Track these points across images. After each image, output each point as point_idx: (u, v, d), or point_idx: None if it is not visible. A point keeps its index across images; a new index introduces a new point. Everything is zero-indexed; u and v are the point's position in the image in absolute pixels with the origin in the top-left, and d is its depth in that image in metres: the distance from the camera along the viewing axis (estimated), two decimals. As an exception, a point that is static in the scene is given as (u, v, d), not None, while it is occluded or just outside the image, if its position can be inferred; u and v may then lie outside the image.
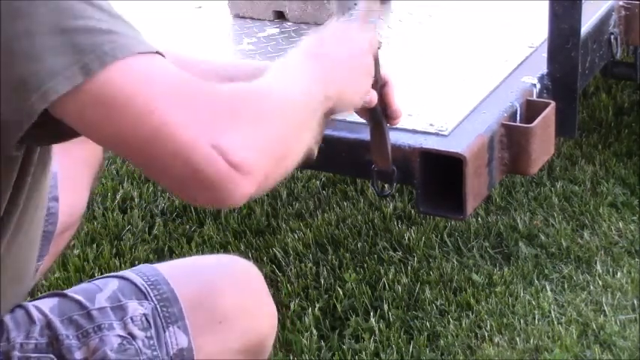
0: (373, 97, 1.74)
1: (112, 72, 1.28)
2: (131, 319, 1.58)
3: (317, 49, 1.56)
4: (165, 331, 1.59)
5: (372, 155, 1.97)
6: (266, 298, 1.73)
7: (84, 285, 1.65)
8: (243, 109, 1.35)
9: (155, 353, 1.57)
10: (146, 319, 1.58)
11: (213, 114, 1.32)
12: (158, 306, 1.60)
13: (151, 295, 1.60)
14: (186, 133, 1.29)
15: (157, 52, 1.35)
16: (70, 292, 1.61)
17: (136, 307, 1.59)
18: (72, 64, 1.27)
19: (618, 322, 2.64)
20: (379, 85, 1.78)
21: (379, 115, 1.83)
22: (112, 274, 1.66)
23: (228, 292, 1.66)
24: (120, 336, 1.57)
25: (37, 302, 1.60)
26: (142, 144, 1.30)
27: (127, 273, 1.64)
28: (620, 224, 3.01)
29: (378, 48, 1.79)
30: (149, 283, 1.62)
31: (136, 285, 1.61)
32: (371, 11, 1.81)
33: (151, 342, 1.58)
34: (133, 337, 1.57)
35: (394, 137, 2.20)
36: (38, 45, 1.27)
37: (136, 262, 2.93)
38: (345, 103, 1.60)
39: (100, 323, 1.57)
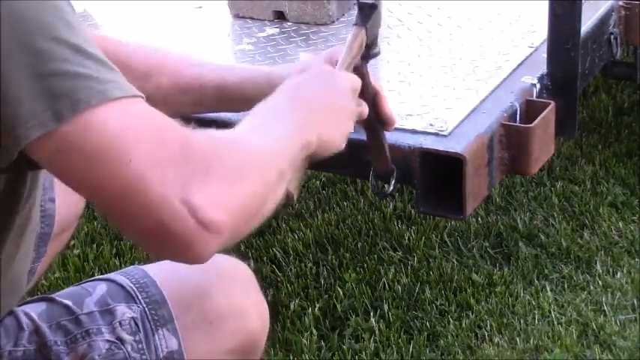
0: (364, 110, 1.76)
1: (85, 119, 1.26)
2: (119, 323, 1.57)
3: (298, 94, 1.56)
4: (154, 334, 1.58)
5: (372, 160, 1.97)
6: (257, 297, 1.72)
7: (73, 288, 1.64)
8: (219, 164, 1.33)
9: (144, 357, 1.57)
10: (135, 322, 1.58)
11: (188, 168, 1.29)
12: (147, 309, 1.59)
13: (140, 298, 1.60)
14: (158, 188, 1.27)
15: (135, 96, 1.32)
16: (58, 296, 1.60)
17: (124, 311, 1.58)
18: (45, 110, 1.25)
19: (618, 322, 2.64)
20: (370, 95, 1.78)
21: (374, 122, 1.84)
22: (100, 276, 1.65)
23: (217, 292, 1.65)
24: (108, 341, 1.56)
25: (26, 307, 1.59)
26: (111, 195, 1.28)
27: (116, 276, 1.63)
28: (620, 224, 3.01)
29: (373, 55, 1.82)
30: (137, 285, 1.61)
31: (124, 288, 1.61)
32: (352, 56, 1.80)
33: (140, 346, 1.57)
34: (122, 341, 1.56)
35: (394, 137, 2.20)
36: (16, 88, 1.25)
37: (136, 262, 2.93)
38: (327, 146, 1.61)
39: (88, 328, 1.56)
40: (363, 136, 2.23)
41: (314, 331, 2.63)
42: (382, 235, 3.01)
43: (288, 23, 2.75)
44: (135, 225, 1.30)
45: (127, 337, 1.57)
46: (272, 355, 2.58)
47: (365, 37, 1.84)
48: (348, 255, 2.94)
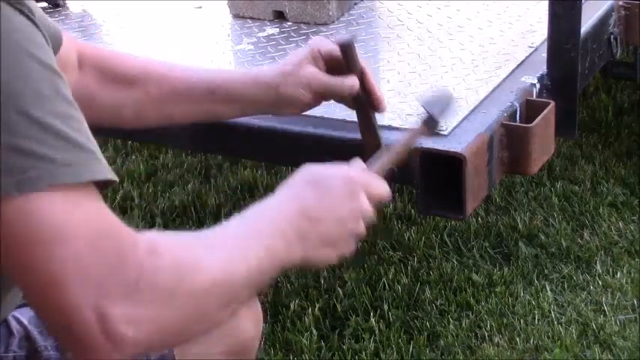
0: (355, 84, 1.77)
1: (25, 202, 1.19)
2: None
3: (299, 204, 1.41)
4: None
5: (363, 140, 1.97)
6: (250, 303, 1.70)
7: None
8: (152, 284, 1.23)
9: None
10: None
11: (115, 281, 1.21)
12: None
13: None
14: (74, 294, 1.20)
15: (93, 182, 1.24)
16: None
17: None
18: (8, 180, 1.18)
19: (618, 322, 2.64)
20: (358, 73, 1.81)
21: (363, 102, 1.86)
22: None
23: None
24: None
25: (16, 312, 1.57)
26: (32, 284, 1.22)
27: None
28: (620, 224, 3.01)
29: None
30: None
31: None
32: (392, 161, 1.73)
33: None
34: None
35: (394, 137, 2.20)
36: None
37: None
38: (314, 265, 1.46)
39: None
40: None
41: (314, 331, 2.63)
42: (382, 235, 3.01)
43: (288, 23, 2.75)
44: (45, 317, 1.25)
45: None
46: (272, 355, 2.58)
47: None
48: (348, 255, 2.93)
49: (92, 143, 1.25)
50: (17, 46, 1.21)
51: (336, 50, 1.83)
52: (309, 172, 1.46)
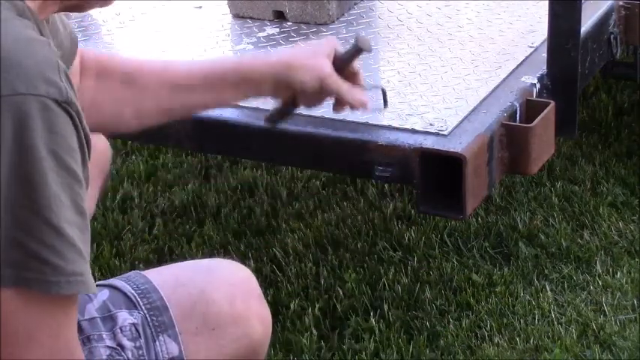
0: (365, 103, 1.88)
1: (15, 297, 1.29)
2: (120, 329, 1.58)
3: None
4: (155, 340, 1.59)
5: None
6: (259, 304, 1.72)
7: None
8: None
9: None
10: (135, 328, 1.58)
11: None
12: (148, 315, 1.60)
13: (141, 304, 1.60)
14: None
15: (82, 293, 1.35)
16: None
17: (125, 317, 1.59)
18: (9, 273, 1.29)
19: (618, 322, 2.64)
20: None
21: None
22: (102, 282, 1.65)
23: (220, 298, 1.65)
24: (109, 347, 1.57)
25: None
26: None
27: (117, 282, 1.63)
28: (620, 224, 3.00)
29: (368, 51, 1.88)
30: (139, 291, 1.61)
31: (125, 294, 1.61)
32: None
33: (140, 352, 1.58)
34: (122, 347, 1.57)
35: (394, 137, 2.20)
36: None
37: (136, 262, 2.93)
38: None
39: (90, 334, 1.57)
40: (363, 135, 2.23)
41: (314, 331, 2.63)
42: (382, 235, 3.01)
43: (288, 23, 2.75)
44: None
45: (128, 344, 1.57)
46: (272, 355, 2.58)
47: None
48: (348, 255, 2.93)
49: (86, 257, 1.35)
50: (57, 160, 1.29)
51: (343, 55, 1.87)
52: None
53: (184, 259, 2.74)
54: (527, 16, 2.73)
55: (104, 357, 1.56)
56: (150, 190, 3.31)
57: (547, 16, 2.36)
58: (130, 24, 2.83)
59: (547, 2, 2.34)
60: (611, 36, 2.68)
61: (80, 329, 1.57)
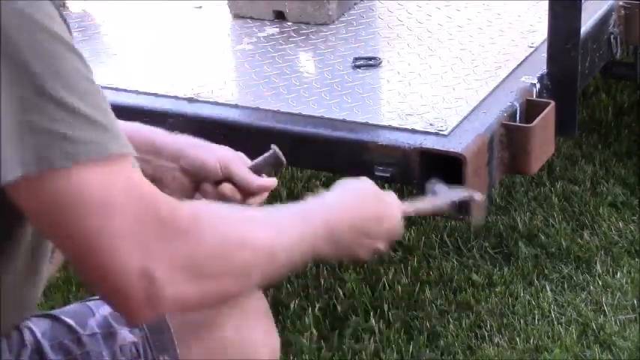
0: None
1: (51, 177, 1.25)
2: (120, 348, 1.56)
3: (335, 220, 1.55)
4: None
5: None
6: (268, 330, 1.69)
7: (77, 306, 1.62)
8: (194, 252, 1.31)
9: None
10: (135, 348, 1.57)
11: (164, 245, 1.29)
12: (149, 334, 1.58)
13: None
14: (122, 260, 1.27)
15: (122, 155, 1.30)
16: (63, 314, 1.59)
17: (126, 336, 1.57)
18: (15, 157, 1.24)
19: (618, 322, 2.64)
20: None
21: None
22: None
23: (227, 324, 1.62)
24: None
25: (31, 323, 1.57)
26: (74, 252, 1.29)
27: None
28: (620, 224, 3.00)
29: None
30: None
31: None
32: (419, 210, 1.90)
33: None
34: None
35: (394, 137, 2.21)
36: (3, 132, 1.25)
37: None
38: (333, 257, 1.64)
39: (89, 350, 1.55)
40: (363, 135, 2.23)
41: (314, 331, 2.63)
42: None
43: (288, 23, 2.75)
44: (92, 281, 1.31)
45: None
46: (272, 355, 2.58)
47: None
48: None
49: (109, 118, 1.29)
50: (37, 25, 1.25)
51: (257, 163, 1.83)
52: (370, 192, 1.65)
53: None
54: (527, 16, 2.73)
55: None
56: (150, 190, 3.31)
57: (547, 16, 2.36)
58: (130, 24, 2.83)
59: (547, 2, 2.34)
60: (611, 36, 2.68)
61: (81, 343, 1.55)
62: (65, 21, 1.31)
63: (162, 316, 1.56)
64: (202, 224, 1.32)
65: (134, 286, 1.27)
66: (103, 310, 1.59)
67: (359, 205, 1.62)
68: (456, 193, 1.88)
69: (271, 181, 1.83)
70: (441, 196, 1.89)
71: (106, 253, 1.26)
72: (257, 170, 1.81)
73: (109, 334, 1.57)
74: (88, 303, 1.61)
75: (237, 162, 1.79)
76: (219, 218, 1.37)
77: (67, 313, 1.59)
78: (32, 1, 1.26)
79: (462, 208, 1.95)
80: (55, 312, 1.60)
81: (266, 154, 1.83)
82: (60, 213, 1.26)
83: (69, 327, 1.56)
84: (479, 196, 1.90)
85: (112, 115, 1.31)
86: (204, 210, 1.38)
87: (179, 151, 1.81)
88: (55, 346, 1.55)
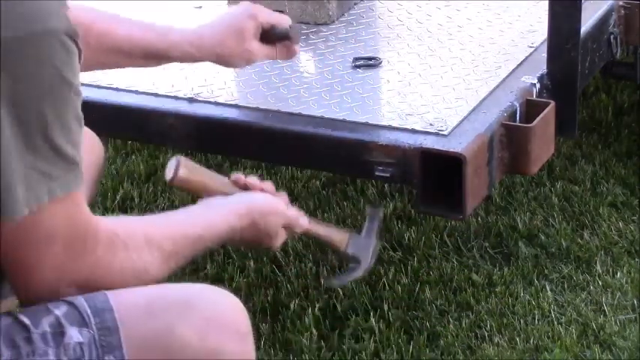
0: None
1: (42, 208, 1.52)
2: (64, 347, 1.57)
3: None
4: None
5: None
6: (239, 340, 1.66)
7: (39, 307, 1.62)
8: (102, 279, 1.63)
9: None
10: (80, 348, 1.57)
11: (75, 273, 1.61)
12: (97, 334, 1.58)
13: (92, 322, 1.59)
14: (44, 278, 1.59)
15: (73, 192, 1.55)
16: (22, 312, 1.61)
17: (73, 335, 1.58)
18: (31, 195, 1.51)
19: (618, 322, 2.64)
20: None
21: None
22: (67, 298, 1.63)
23: (188, 334, 1.60)
24: None
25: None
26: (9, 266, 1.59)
27: (79, 299, 1.61)
28: (620, 224, 3.00)
29: None
30: (93, 310, 1.60)
31: (80, 312, 1.60)
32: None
33: None
34: None
35: (394, 137, 2.21)
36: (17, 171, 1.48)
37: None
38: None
39: (36, 348, 1.57)
40: (363, 136, 2.23)
41: (314, 331, 2.63)
42: (382, 235, 3.01)
43: (288, 23, 2.75)
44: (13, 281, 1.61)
45: None
46: (272, 355, 2.58)
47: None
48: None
49: (80, 152, 1.54)
50: (55, 74, 1.48)
51: (270, 20, 2.21)
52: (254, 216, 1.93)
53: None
54: (527, 16, 2.73)
55: None
56: (150, 190, 3.31)
57: (547, 16, 2.36)
58: (130, 24, 2.83)
59: (547, 2, 2.34)
60: (611, 36, 2.68)
61: (30, 341, 1.57)
62: (78, 47, 1.52)
63: (113, 317, 1.61)
64: (114, 255, 1.62)
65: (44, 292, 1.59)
66: (59, 310, 1.60)
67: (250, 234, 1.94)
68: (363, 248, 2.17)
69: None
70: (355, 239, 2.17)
71: (33, 273, 1.57)
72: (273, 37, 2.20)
73: (58, 333, 1.58)
74: (50, 304, 1.62)
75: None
76: (133, 249, 1.66)
77: (26, 312, 1.61)
78: (58, 48, 1.48)
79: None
80: (18, 311, 1.62)
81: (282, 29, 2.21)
82: (18, 242, 1.53)
83: (24, 325, 1.58)
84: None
85: (82, 144, 1.55)
86: (121, 240, 1.64)
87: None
88: (8, 342, 1.57)
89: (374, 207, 2.25)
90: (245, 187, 2.00)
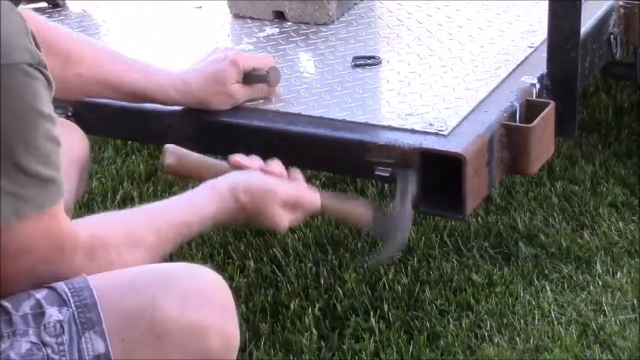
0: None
1: (11, 226, 1.59)
2: (44, 325, 1.60)
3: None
4: (81, 337, 1.60)
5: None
6: (221, 315, 1.67)
7: (20, 293, 1.65)
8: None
9: (64, 359, 1.59)
10: (60, 325, 1.60)
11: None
12: (76, 312, 1.60)
13: (71, 301, 1.61)
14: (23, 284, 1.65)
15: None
16: (4, 298, 1.63)
17: (52, 314, 1.60)
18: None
19: (618, 322, 2.64)
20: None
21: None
22: (49, 284, 1.66)
23: (169, 305, 1.62)
24: (31, 342, 1.59)
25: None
26: None
27: (59, 284, 1.64)
28: (620, 224, 3.00)
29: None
30: (72, 290, 1.62)
31: (59, 293, 1.62)
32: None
33: (62, 348, 1.59)
34: (45, 344, 1.59)
35: (394, 137, 2.21)
36: None
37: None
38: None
39: (16, 329, 1.59)
40: (363, 136, 2.23)
41: (314, 331, 2.63)
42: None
43: (288, 23, 2.75)
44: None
45: (49, 340, 1.59)
46: (272, 355, 2.58)
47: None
48: (348, 255, 2.93)
49: (57, 170, 1.61)
50: (21, 102, 1.54)
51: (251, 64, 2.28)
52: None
53: (184, 259, 2.74)
54: (527, 16, 2.73)
55: (22, 350, 1.58)
56: (150, 190, 3.31)
57: (547, 16, 2.36)
58: (130, 24, 2.83)
59: (547, 2, 2.34)
60: (611, 36, 2.68)
61: (11, 323, 1.60)
62: (45, 75, 1.58)
63: (91, 294, 1.64)
64: (93, 260, 1.68)
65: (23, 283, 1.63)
66: (40, 294, 1.63)
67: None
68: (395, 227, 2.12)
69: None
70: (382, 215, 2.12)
71: (9, 282, 1.63)
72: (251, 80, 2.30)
73: (39, 314, 1.61)
74: (32, 290, 1.65)
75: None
76: (111, 252, 1.71)
77: (8, 298, 1.63)
78: (22, 79, 1.54)
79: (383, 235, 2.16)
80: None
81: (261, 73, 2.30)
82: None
83: (4, 309, 1.61)
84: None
85: (59, 161, 1.61)
86: (101, 243, 1.70)
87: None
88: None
89: (403, 171, 2.13)
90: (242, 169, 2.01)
